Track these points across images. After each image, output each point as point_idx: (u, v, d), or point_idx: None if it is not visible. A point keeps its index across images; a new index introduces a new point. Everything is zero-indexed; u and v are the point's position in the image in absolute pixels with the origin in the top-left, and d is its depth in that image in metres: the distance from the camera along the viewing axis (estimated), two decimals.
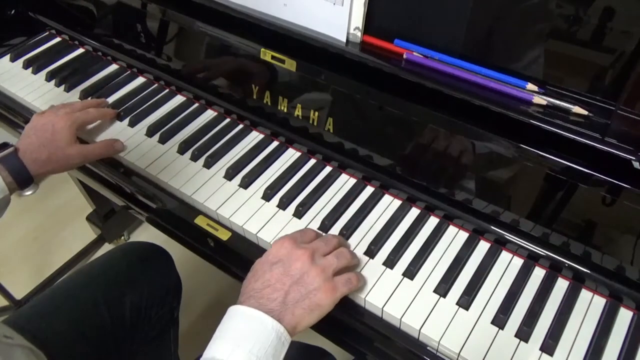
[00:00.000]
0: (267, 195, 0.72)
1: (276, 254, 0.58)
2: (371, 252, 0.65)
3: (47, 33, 1.04)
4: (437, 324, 0.58)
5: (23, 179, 0.70)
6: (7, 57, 0.99)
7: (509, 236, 0.65)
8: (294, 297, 0.54)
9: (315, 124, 0.74)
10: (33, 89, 0.92)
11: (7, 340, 0.62)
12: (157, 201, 0.77)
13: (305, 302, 0.54)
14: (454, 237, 0.67)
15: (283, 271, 0.55)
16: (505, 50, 0.61)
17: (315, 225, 0.68)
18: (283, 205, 0.71)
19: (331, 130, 0.73)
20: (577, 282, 0.62)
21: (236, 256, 0.70)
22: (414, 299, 0.61)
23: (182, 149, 0.79)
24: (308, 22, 0.71)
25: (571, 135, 0.55)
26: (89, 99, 0.89)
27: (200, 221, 0.72)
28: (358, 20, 0.67)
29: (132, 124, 0.84)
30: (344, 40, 0.68)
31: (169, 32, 0.86)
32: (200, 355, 0.52)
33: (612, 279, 0.60)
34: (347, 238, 0.67)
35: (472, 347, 0.56)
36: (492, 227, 0.65)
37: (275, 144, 0.79)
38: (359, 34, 0.68)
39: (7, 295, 1.38)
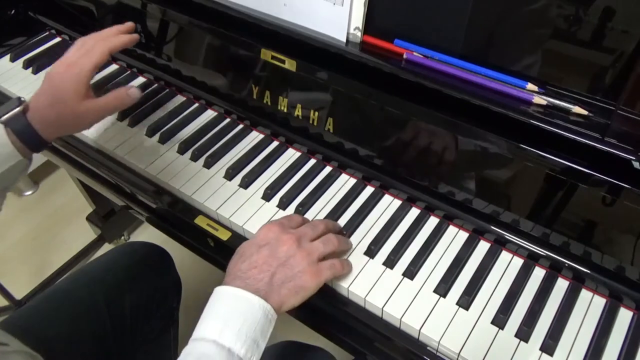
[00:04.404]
0: (267, 195, 0.72)
1: (264, 237, 0.59)
2: (371, 252, 0.65)
3: (47, 33, 1.04)
4: (437, 324, 0.58)
5: (34, 144, 0.65)
6: (7, 57, 0.99)
7: (509, 236, 0.65)
8: (279, 278, 0.56)
9: (315, 124, 0.74)
10: (33, 89, 0.90)
11: (2, 348, 0.61)
12: (157, 201, 0.77)
13: (290, 284, 0.56)
14: (454, 237, 0.67)
15: (270, 253, 0.57)
16: (505, 50, 0.61)
17: None
18: (283, 205, 0.71)
19: (331, 130, 0.73)
20: (577, 282, 0.62)
21: None
22: (414, 299, 0.61)
23: (182, 149, 0.79)
24: (308, 22, 0.71)
25: (571, 135, 0.55)
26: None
27: (200, 221, 0.72)
28: (358, 20, 0.67)
29: (132, 124, 0.84)
30: (344, 40, 0.68)
31: (169, 32, 0.86)
32: None
33: (612, 279, 0.60)
34: (348, 238, 0.67)
35: (472, 347, 0.56)
36: (492, 227, 0.65)
37: (275, 144, 0.79)
38: (359, 34, 0.68)
39: (7, 295, 1.38)
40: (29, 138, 0.64)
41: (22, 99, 0.66)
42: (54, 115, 0.65)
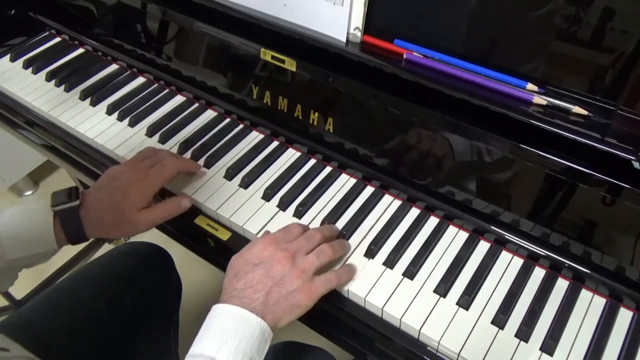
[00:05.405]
0: (267, 195, 0.72)
1: (259, 255, 0.59)
2: (371, 252, 0.65)
3: (47, 33, 1.04)
4: (437, 324, 0.58)
5: (75, 238, 0.66)
6: (7, 57, 0.99)
7: (509, 236, 0.65)
8: (275, 297, 0.56)
9: (315, 124, 0.74)
10: (33, 89, 0.92)
11: (3, 354, 0.61)
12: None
13: (285, 303, 0.56)
14: (454, 237, 0.67)
15: (264, 272, 0.57)
16: (505, 50, 0.61)
17: (315, 226, 0.68)
18: (283, 205, 0.71)
19: (331, 130, 0.73)
20: (577, 282, 0.62)
21: None
22: (414, 299, 0.61)
23: (182, 149, 0.79)
24: (308, 22, 0.71)
25: (571, 135, 0.55)
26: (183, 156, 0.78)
27: (200, 221, 0.72)
28: (358, 20, 0.67)
29: (132, 124, 0.84)
30: (344, 40, 0.68)
31: (169, 32, 0.86)
32: None
33: (612, 279, 0.60)
34: (347, 238, 0.67)
35: (472, 347, 0.56)
36: (492, 227, 0.65)
37: (275, 144, 0.79)
38: (359, 34, 0.68)
39: (7, 295, 1.38)
40: (73, 232, 0.65)
41: (80, 191, 0.66)
42: (109, 220, 0.65)
